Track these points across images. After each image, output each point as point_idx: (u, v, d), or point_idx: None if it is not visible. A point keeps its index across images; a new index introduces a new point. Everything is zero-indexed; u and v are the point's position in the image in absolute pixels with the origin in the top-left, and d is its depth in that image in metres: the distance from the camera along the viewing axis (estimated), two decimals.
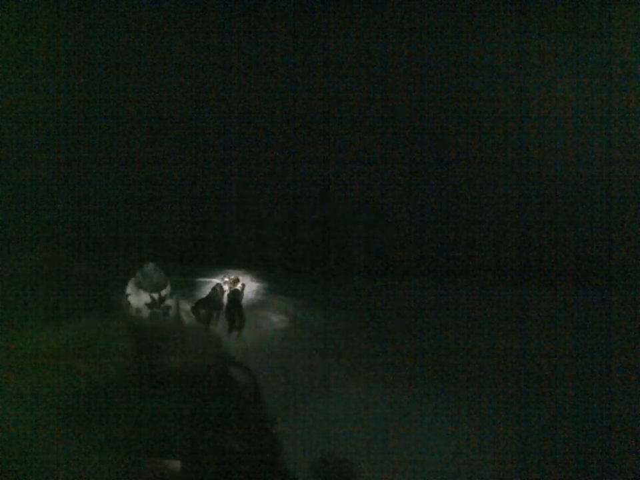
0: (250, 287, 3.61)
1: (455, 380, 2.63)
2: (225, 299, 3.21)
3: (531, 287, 3.56)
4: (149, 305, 0.93)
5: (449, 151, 4.18)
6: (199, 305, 2.92)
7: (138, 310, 0.91)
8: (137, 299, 0.94)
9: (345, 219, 4.25)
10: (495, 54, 4.04)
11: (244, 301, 3.29)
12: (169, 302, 0.95)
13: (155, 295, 0.93)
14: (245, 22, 4.08)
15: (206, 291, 3.23)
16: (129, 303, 0.91)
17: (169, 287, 0.96)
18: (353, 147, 4.21)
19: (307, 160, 4.16)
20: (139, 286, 0.93)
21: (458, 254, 3.99)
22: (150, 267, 0.94)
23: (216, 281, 3.37)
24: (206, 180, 4.20)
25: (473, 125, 4.15)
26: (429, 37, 4.03)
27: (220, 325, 3.02)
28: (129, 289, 0.95)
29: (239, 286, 3.31)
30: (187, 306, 2.89)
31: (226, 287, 3.30)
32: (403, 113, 4.16)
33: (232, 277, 3.38)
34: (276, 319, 3.26)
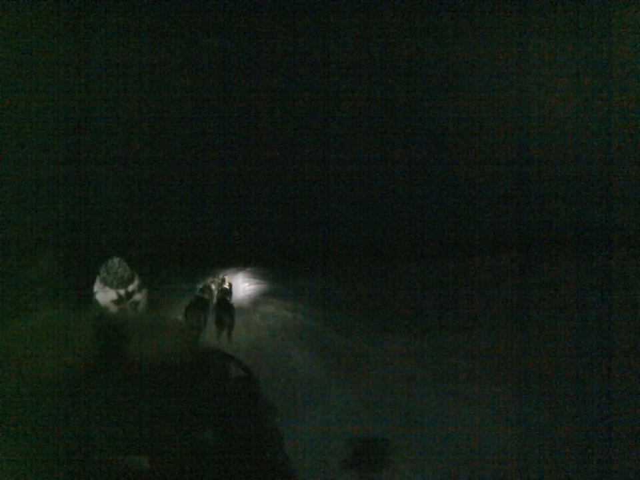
0: (247, 287, 3.63)
1: (455, 380, 2.63)
2: (214, 300, 3.24)
3: (531, 287, 3.57)
4: (115, 302, 0.92)
5: (449, 152, 4.19)
6: (190, 308, 2.94)
7: (105, 308, 0.90)
8: (104, 296, 0.93)
9: (345, 219, 4.25)
10: (495, 54, 4.04)
11: (244, 300, 3.30)
12: (137, 297, 0.94)
13: (121, 291, 0.92)
14: (245, 22, 4.08)
15: (195, 293, 3.23)
16: (95, 301, 0.91)
17: (136, 282, 0.94)
18: (352, 147, 4.21)
19: (306, 160, 4.16)
20: (104, 283, 0.92)
21: (458, 254, 3.99)
22: (114, 262, 0.93)
23: (200, 286, 3.38)
24: (206, 180, 4.20)
25: (473, 124, 4.15)
26: (429, 36, 4.03)
27: (210, 324, 3.02)
28: (96, 286, 0.94)
29: (226, 285, 3.36)
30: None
31: (214, 287, 3.34)
32: (403, 112, 4.16)
33: (220, 277, 3.44)
34: (275, 319, 3.26)
